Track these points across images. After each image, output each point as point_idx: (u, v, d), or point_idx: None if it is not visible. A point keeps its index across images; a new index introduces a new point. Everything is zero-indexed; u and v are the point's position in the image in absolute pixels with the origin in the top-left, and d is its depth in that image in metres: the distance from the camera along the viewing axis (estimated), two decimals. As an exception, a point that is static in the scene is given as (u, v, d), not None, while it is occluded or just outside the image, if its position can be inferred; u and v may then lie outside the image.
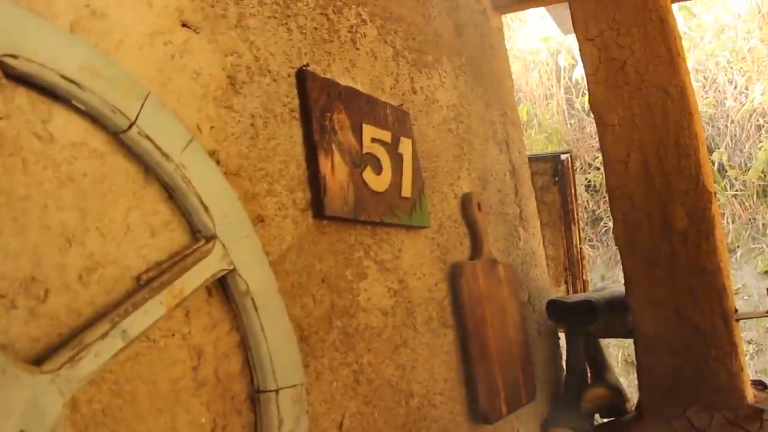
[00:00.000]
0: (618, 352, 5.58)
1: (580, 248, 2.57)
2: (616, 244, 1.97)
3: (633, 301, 1.95)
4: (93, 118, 0.90)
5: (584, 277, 2.61)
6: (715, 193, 1.87)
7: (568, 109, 7.25)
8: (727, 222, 6.65)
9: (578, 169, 6.55)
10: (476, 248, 1.93)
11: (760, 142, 6.63)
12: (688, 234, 1.81)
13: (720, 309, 1.84)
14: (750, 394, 1.89)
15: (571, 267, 2.54)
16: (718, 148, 6.87)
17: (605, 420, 2.25)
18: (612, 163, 1.92)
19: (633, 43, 1.93)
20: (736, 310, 1.94)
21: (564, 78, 7.23)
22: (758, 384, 2.05)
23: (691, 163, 1.85)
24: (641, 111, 1.90)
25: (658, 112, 1.88)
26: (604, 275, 6.18)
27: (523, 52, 7.57)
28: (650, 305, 1.90)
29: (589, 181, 6.54)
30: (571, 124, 7.27)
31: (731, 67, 7.19)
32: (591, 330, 2.17)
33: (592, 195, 6.60)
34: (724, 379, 1.85)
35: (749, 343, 6.02)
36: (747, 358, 5.59)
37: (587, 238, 6.33)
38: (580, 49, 2.03)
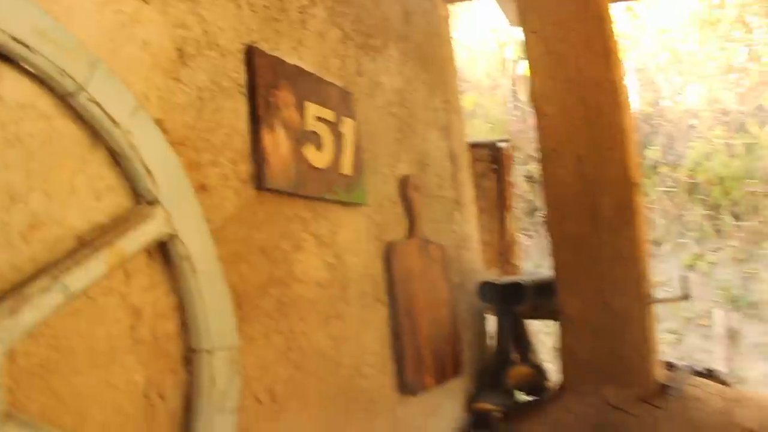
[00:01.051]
0: (549, 339, 5.78)
1: (513, 234, 2.67)
2: (545, 230, 2.07)
3: (559, 285, 2.05)
4: (42, 80, 0.92)
5: (516, 262, 2.71)
6: (639, 184, 1.98)
7: (513, 101, 7.41)
8: (657, 217, 6.92)
9: (519, 160, 6.71)
10: (412, 229, 2.00)
11: (692, 141, 6.91)
12: (613, 222, 1.93)
13: (637, 294, 1.96)
14: (660, 372, 2.02)
15: (504, 252, 2.64)
16: (653, 146, 7.13)
17: (527, 397, 2.36)
18: (546, 153, 2.01)
19: (573, 39, 2.02)
20: (652, 296, 2.07)
21: (510, 70, 7.38)
22: (669, 365, 2.19)
23: (619, 155, 1.96)
24: (576, 103, 2.00)
25: (592, 106, 1.98)
26: (539, 263, 6.37)
27: (471, 43, 7.67)
28: (575, 289, 2.01)
29: (530, 173, 6.70)
30: (515, 115, 7.43)
31: (669, 68, 7.45)
32: (518, 311, 2.27)
33: (531, 186, 6.77)
34: (637, 359, 1.97)
35: (671, 333, 6.30)
36: (668, 346, 5.87)
37: (524, 228, 6.51)
38: (524, 41, 2.11)
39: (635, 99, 7.55)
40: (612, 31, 2.05)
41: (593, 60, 1.98)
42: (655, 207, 6.90)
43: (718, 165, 6.40)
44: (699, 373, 2.14)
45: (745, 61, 6.92)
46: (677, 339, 6.27)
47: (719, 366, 5.76)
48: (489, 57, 7.69)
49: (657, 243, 6.89)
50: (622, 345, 1.98)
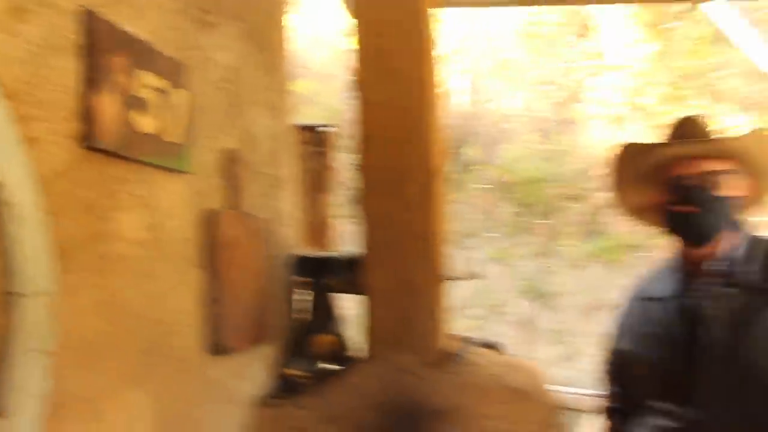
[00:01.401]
0: (355, 311, 6.10)
1: (330, 215, 2.86)
2: (357, 209, 2.27)
3: (366, 261, 2.26)
4: None
5: (330, 240, 2.91)
6: (441, 173, 2.23)
7: (348, 90, 7.65)
8: (472, 211, 7.47)
9: (351, 148, 6.97)
10: (233, 200, 2.12)
11: (507, 143, 7.52)
12: (416, 206, 2.16)
13: (433, 271, 2.21)
14: (447, 342, 2.29)
15: (320, 230, 2.82)
16: (473, 145, 7.67)
17: (332, 365, 2.55)
18: (363, 138, 2.21)
19: (394, 34, 2.22)
20: (450, 276, 2.34)
21: (347, 59, 7.62)
22: (457, 337, 2.48)
23: (426, 146, 2.19)
24: (393, 95, 2.21)
25: (406, 99, 2.20)
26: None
27: (313, 30, 7.82)
28: (379, 265, 2.23)
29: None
30: (350, 104, 7.68)
31: (493, 75, 8.04)
32: (328, 284, 2.46)
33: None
34: (429, 330, 2.22)
35: (476, 319, 6.84)
36: (473, 330, 6.39)
37: (347, 212, 6.78)
38: (355, 31, 2.29)
39: (465, 99, 8.07)
40: (430, 33, 2.28)
41: (411, 57, 2.19)
42: (470, 202, 7.45)
43: (528, 167, 7.03)
44: (482, 345, 2.44)
45: (559, 75, 7.63)
46: (481, 324, 6.83)
47: (517, 349, 6.36)
48: (328, 45, 7.88)
49: (470, 235, 7.44)
50: (417, 317, 2.22)
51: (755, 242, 1.87)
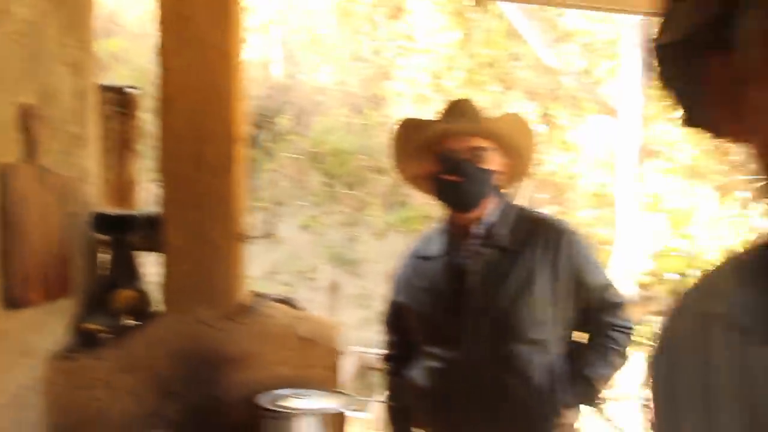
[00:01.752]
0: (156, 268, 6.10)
1: (133, 175, 2.90)
2: (156, 171, 2.37)
3: (165, 220, 2.36)
4: None
5: (133, 200, 2.95)
6: (241, 139, 2.38)
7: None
8: (283, 180, 7.65)
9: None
10: (29, 155, 2.13)
11: (319, 116, 7.75)
12: (215, 169, 2.29)
13: (231, 230, 2.36)
14: (244, 297, 2.45)
15: (123, 190, 2.86)
16: (286, 115, 7.82)
17: (133, 320, 2.63)
18: (164, 102, 2.30)
19: (197, 2, 2.30)
20: (246, 235, 2.50)
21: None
22: (255, 293, 2.66)
23: (227, 113, 2.32)
24: (195, 62, 2.30)
25: (209, 67, 2.31)
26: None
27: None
28: (178, 223, 2.34)
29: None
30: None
31: (308, 48, 8.21)
32: (128, 242, 2.53)
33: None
34: (226, 285, 2.38)
35: (285, 285, 7.04)
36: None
37: (151, 173, 6.68)
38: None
39: (278, 71, 8.17)
40: (236, 2, 2.39)
41: (215, 25, 2.30)
42: (282, 171, 7.62)
43: (337, 139, 7.31)
44: (275, 300, 2.64)
45: (371, 53, 7.96)
46: (289, 290, 7.05)
47: (324, 313, 6.65)
48: (142, 3, 7.64)
49: (280, 203, 7.62)
50: (216, 273, 2.37)
51: (510, 210, 2.22)
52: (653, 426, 0.91)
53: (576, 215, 6.35)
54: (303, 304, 2.77)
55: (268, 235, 2.37)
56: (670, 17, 0.66)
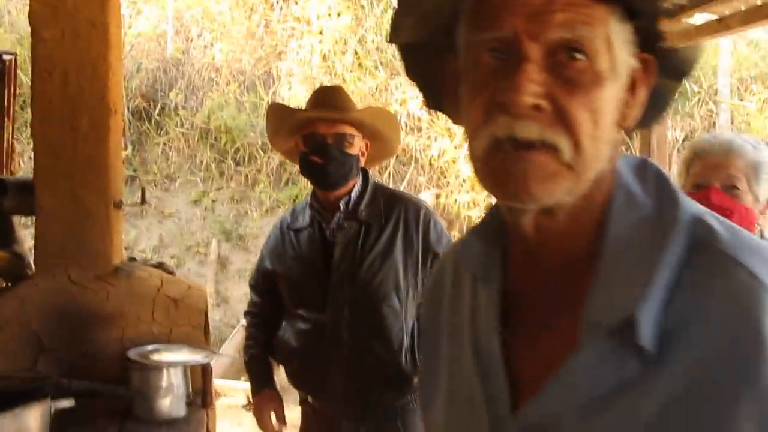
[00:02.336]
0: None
1: (12, 141, 2.96)
2: (31, 137, 2.46)
3: (38, 184, 2.46)
4: None
5: (12, 168, 3.01)
6: (117, 111, 2.50)
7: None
8: (174, 155, 7.65)
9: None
10: None
11: (211, 92, 7.78)
12: (89, 137, 2.41)
13: (105, 196, 2.49)
14: (118, 260, 2.59)
15: (1, 155, 2.92)
16: (176, 90, 7.81)
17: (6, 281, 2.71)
18: (38, 72, 2.39)
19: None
20: (121, 201, 2.63)
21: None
22: (129, 258, 2.80)
23: (102, 84, 2.44)
24: (70, 35, 2.40)
25: (84, 39, 2.41)
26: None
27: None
28: (51, 188, 2.44)
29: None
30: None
31: (203, 22, 8.19)
32: (6, 205, 2.60)
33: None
34: (100, 247, 2.50)
35: (173, 258, 7.08)
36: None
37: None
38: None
39: (171, 46, 8.12)
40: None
41: (89, 1, 2.41)
42: (173, 145, 7.62)
43: (228, 116, 7.37)
44: (150, 265, 2.78)
45: (264, 32, 8.04)
46: (178, 263, 7.10)
47: (212, 287, 6.76)
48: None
49: (171, 178, 7.63)
50: (88, 237, 2.49)
51: (372, 188, 2.46)
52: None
53: (454, 198, 6.70)
54: (191, 277, 2.93)
55: (143, 203, 2.46)
56: (401, 21, 0.86)
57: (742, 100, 6.98)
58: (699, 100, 6.94)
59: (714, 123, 6.80)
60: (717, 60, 6.79)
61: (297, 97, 7.43)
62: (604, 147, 0.76)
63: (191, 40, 8.17)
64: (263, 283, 2.62)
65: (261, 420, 2.55)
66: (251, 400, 2.67)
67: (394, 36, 0.87)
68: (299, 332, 2.44)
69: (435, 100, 0.94)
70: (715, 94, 6.90)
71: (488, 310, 0.88)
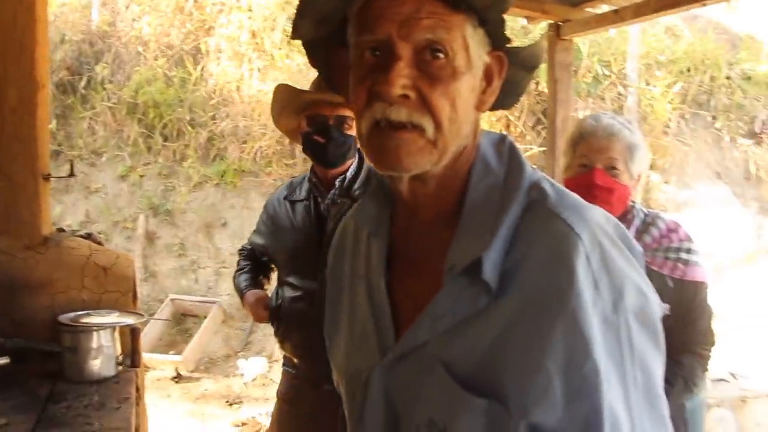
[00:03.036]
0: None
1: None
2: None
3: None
4: None
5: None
6: (44, 85, 2.59)
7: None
8: (100, 129, 7.59)
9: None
10: None
11: (139, 66, 7.74)
12: (17, 111, 2.50)
13: (33, 169, 2.58)
14: (47, 230, 2.69)
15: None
16: (103, 63, 7.73)
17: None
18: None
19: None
20: (50, 174, 2.72)
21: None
22: (59, 229, 2.90)
23: (29, 59, 2.52)
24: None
25: (10, 13, 2.48)
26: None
27: None
28: (-19, 160, 2.53)
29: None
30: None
31: (130, -5, 8.11)
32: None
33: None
34: (28, 218, 2.60)
35: (100, 233, 7.07)
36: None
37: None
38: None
39: (97, 18, 8.02)
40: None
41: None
42: (99, 120, 7.57)
43: (156, 91, 7.36)
44: (78, 235, 2.89)
45: (193, 7, 8.02)
46: (105, 238, 7.09)
47: (140, 262, 6.79)
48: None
49: (97, 153, 7.58)
50: (18, 208, 2.58)
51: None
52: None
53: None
54: (99, 237, 3.04)
55: (72, 176, 2.54)
56: (300, 23, 1.02)
57: (648, 84, 7.42)
58: (609, 83, 7.34)
59: (622, 105, 7.22)
60: (626, 46, 7.20)
61: (225, 73, 7.47)
62: (462, 127, 0.98)
63: (118, 13, 8.07)
64: (253, 252, 2.85)
65: (255, 312, 2.72)
66: (242, 303, 2.84)
67: (295, 34, 1.05)
68: (290, 299, 2.61)
69: (333, 85, 1.14)
70: (624, 78, 7.31)
71: (378, 259, 1.09)
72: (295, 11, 1.02)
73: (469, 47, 0.96)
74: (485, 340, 0.93)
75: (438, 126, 0.94)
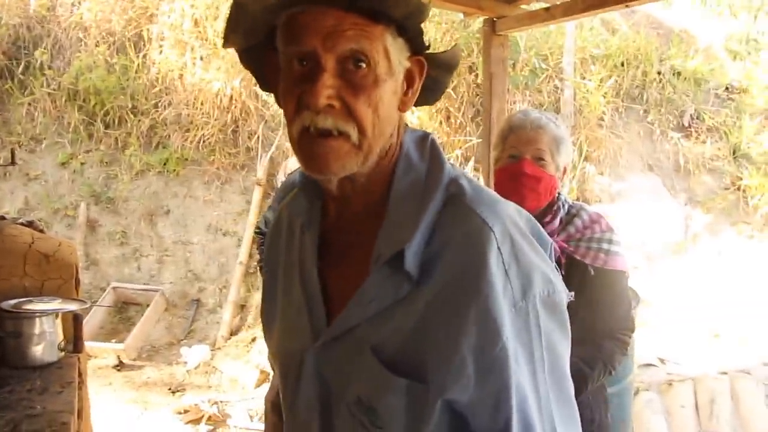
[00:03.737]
0: None
1: None
2: None
3: None
4: None
5: None
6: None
7: None
8: (40, 116, 7.46)
9: None
10: None
11: (79, 52, 7.62)
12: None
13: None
14: (-13, 219, 2.71)
15: None
16: (42, 48, 7.59)
17: None
18: None
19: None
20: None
21: None
22: (24, 223, 2.91)
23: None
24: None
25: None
26: None
27: None
28: None
29: None
30: None
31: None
32: None
33: None
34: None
35: (44, 221, 6.95)
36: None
37: None
38: None
39: (35, 2, 7.85)
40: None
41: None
42: (39, 106, 7.43)
43: (97, 78, 7.26)
44: (21, 223, 2.92)
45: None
46: (45, 226, 6.97)
47: (79, 249, 6.71)
48: None
49: (37, 139, 7.45)
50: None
51: None
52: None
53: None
54: (41, 224, 3.06)
55: (13, 164, 2.53)
56: (230, 34, 1.08)
57: (583, 78, 7.66)
58: (546, 76, 7.55)
59: (558, 98, 7.45)
60: (563, 41, 7.42)
61: (168, 61, 7.42)
62: (385, 129, 1.07)
63: (54, -3, 7.92)
64: None
65: None
66: None
67: (226, 44, 1.11)
68: None
69: (265, 86, 1.21)
70: (561, 72, 7.54)
71: (310, 249, 1.18)
72: (225, 24, 1.08)
73: (390, 55, 1.04)
74: (408, 324, 1.02)
75: (362, 131, 1.02)
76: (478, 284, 0.97)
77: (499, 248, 0.99)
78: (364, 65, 1.02)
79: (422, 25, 1.10)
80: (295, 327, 1.18)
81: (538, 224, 1.13)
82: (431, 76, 1.14)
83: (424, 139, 1.16)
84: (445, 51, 1.17)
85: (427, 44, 1.12)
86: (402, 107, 1.12)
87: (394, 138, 1.11)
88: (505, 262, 0.99)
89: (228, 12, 1.06)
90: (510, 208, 1.08)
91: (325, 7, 1.00)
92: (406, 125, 1.18)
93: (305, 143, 1.04)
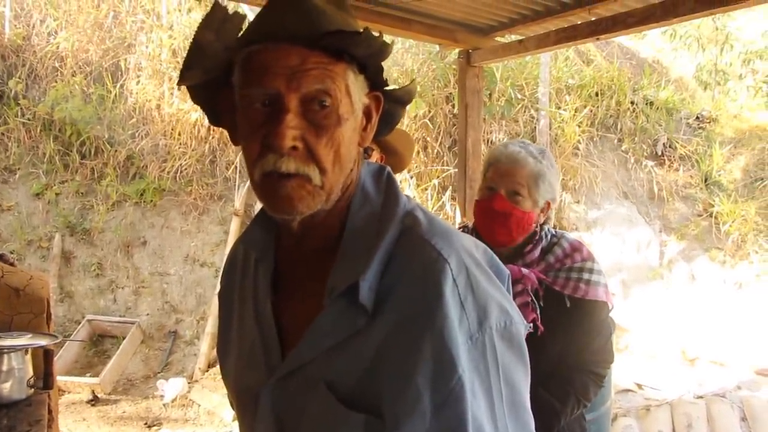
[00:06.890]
0: None
1: None
2: None
3: None
4: None
5: None
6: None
7: None
8: (13, 145, 7.40)
9: None
10: None
11: (55, 82, 7.59)
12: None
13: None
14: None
15: None
16: (17, 78, 7.54)
17: None
18: None
19: None
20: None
21: None
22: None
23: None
24: None
25: None
26: None
27: None
28: None
29: None
30: None
31: (46, 8, 7.95)
32: None
33: None
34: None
35: (12, 252, 6.87)
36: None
37: None
38: None
39: (10, 32, 7.82)
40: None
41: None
42: (13, 136, 7.37)
43: (73, 108, 7.22)
44: (-8, 257, 2.88)
45: (112, 23, 7.92)
46: (18, 258, 6.88)
47: (55, 282, 6.64)
48: None
49: (10, 170, 7.37)
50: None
51: None
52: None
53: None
54: (11, 257, 3.02)
55: None
56: (187, 72, 1.06)
57: (558, 108, 7.77)
58: (522, 106, 7.64)
59: (535, 128, 7.53)
60: (538, 71, 7.53)
61: (145, 91, 7.41)
62: (345, 166, 1.07)
63: (33, 26, 7.89)
64: None
65: None
66: None
67: (182, 81, 1.09)
68: None
69: (215, 120, 1.19)
70: (537, 102, 7.64)
71: (264, 282, 1.17)
72: (183, 63, 1.07)
73: (351, 93, 1.05)
74: (363, 358, 1.00)
75: (323, 172, 1.03)
76: (433, 316, 0.96)
77: (454, 280, 0.99)
78: (327, 105, 1.02)
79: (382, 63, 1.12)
80: (250, 363, 1.16)
81: (495, 256, 1.13)
82: (385, 109, 1.15)
83: (380, 173, 1.16)
84: (401, 87, 1.18)
85: (385, 81, 1.13)
86: (361, 142, 1.12)
87: (354, 173, 1.12)
88: (461, 294, 0.98)
89: (187, 50, 1.05)
90: (465, 239, 1.08)
91: (289, 45, 1.00)
92: (364, 159, 1.18)
93: (268, 185, 1.03)
